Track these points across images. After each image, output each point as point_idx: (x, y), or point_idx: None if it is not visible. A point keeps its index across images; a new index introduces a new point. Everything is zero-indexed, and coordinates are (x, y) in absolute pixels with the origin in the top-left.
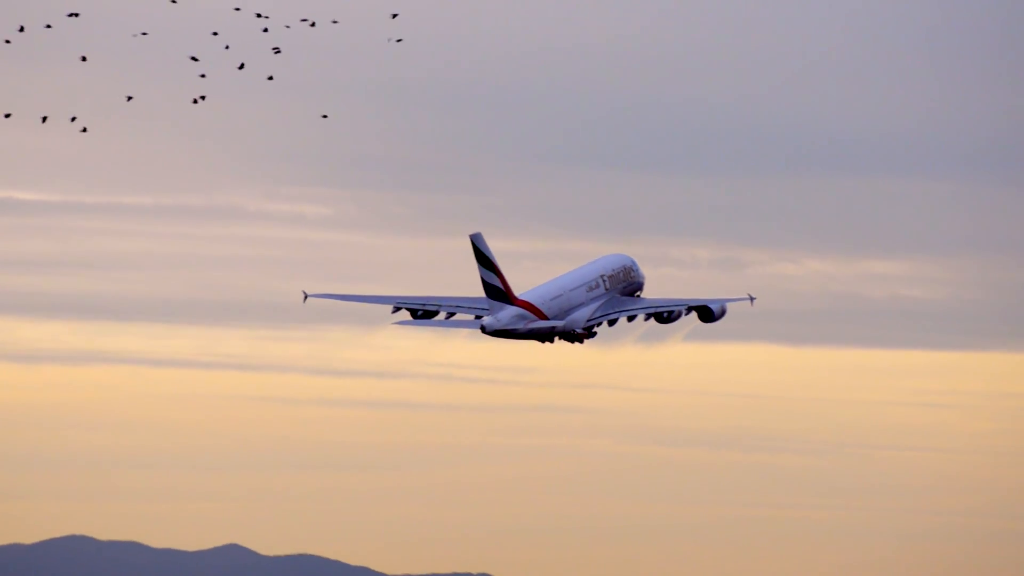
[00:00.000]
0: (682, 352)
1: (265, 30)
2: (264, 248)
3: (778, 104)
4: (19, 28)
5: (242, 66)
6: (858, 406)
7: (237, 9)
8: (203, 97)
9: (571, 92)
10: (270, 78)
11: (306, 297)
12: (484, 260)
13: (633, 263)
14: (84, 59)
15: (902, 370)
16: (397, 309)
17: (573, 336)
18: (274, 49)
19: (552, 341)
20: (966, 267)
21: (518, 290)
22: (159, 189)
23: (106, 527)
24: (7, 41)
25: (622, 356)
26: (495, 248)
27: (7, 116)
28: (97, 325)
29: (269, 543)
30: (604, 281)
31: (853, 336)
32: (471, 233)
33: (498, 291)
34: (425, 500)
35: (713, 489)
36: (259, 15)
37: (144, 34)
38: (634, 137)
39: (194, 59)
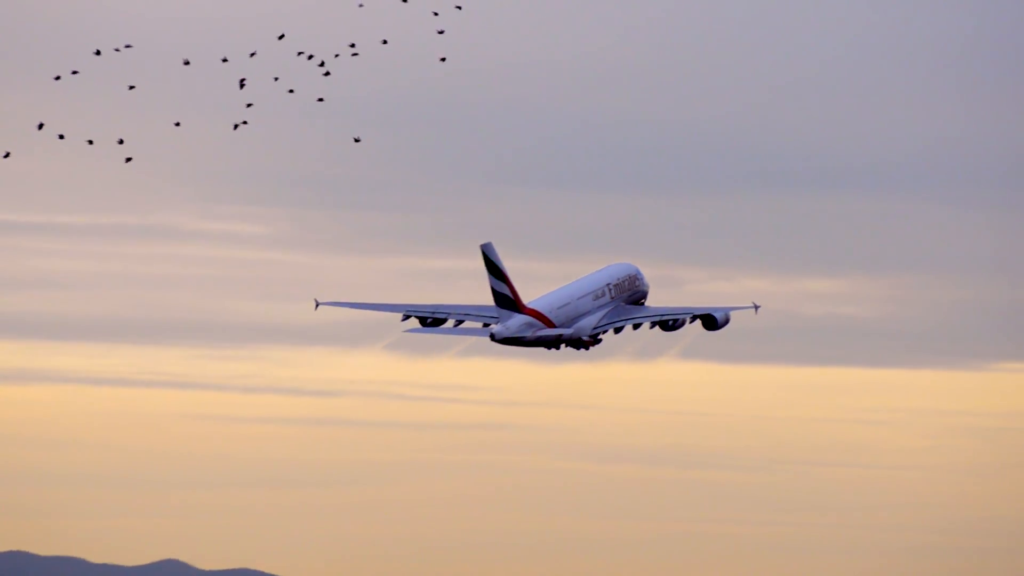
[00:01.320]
0: (619, 370)
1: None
2: (200, 267)
3: (715, 123)
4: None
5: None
6: (793, 423)
7: (281, 38)
8: (245, 122)
9: (508, 111)
10: (320, 100)
11: (317, 305)
12: (494, 269)
13: (638, 272)
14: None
15: (837, 388)
16: (407, 317)
17: (579, 343)
18: (323, 72)
19: (558, 348)
20: (901, 285)
21: (526, 299)
22: (94, 209)
23: (46, 543)
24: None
25: (559, 374)
26: (424, 267)
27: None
28: (32, 344)
29: (207, 558)
30: (610, 290)
31: (789, 354)
32: (482, 243)
33: (507, 299)
34: (362, 516)
35: (650, 506)
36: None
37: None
38: (569, 156)
39: (241, 83)
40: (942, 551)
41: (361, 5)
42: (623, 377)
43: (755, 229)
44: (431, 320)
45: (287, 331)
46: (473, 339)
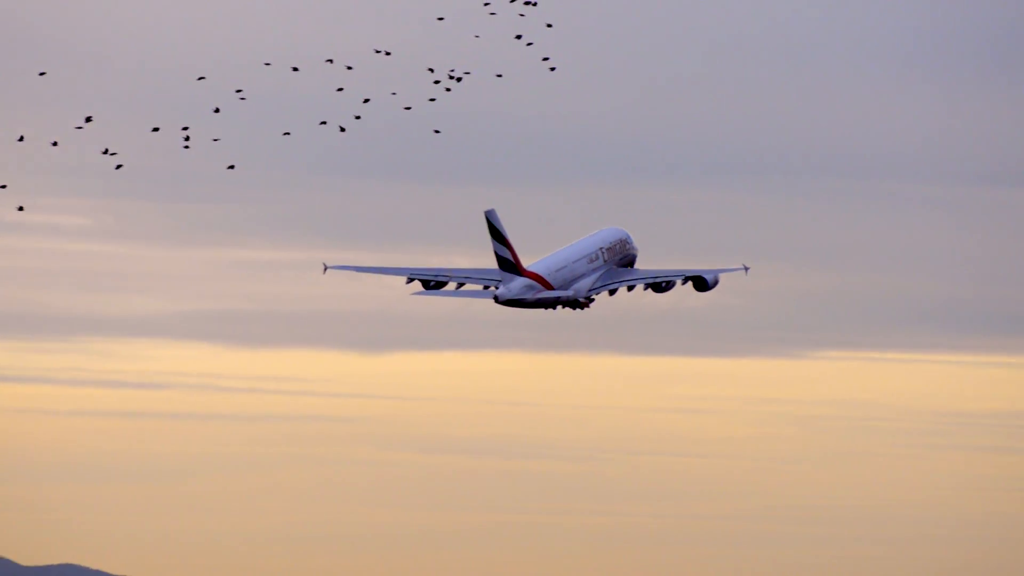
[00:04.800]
0: (442, 360)
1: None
2: (20, 259)
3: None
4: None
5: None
6: (617, 412)
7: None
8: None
9: (332, 101)
10: (357, 117)
11: (326, 268)
12: (497, 235)
13: (628, 237)
14: None
15: (661, 377)
16: (411, 280)
17: (576, 304)
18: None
19: (555, 308)
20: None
21: (526, 263)
22: None
23: None
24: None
25: (384, 365)
26: (249, 259)
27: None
28: None
29: (29, 553)
30: (603, 253)
31: (611, 343)
32: (486, 210)
33: (509, 263)
34: (186, 509)
35: (475, 496)
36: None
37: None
38: (401, 146)
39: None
40: (766, 538)
41: None
42: (447, 368)
43: (576, 219)
44: (434, 283)
45: (111, 324)
46: (476, 301)
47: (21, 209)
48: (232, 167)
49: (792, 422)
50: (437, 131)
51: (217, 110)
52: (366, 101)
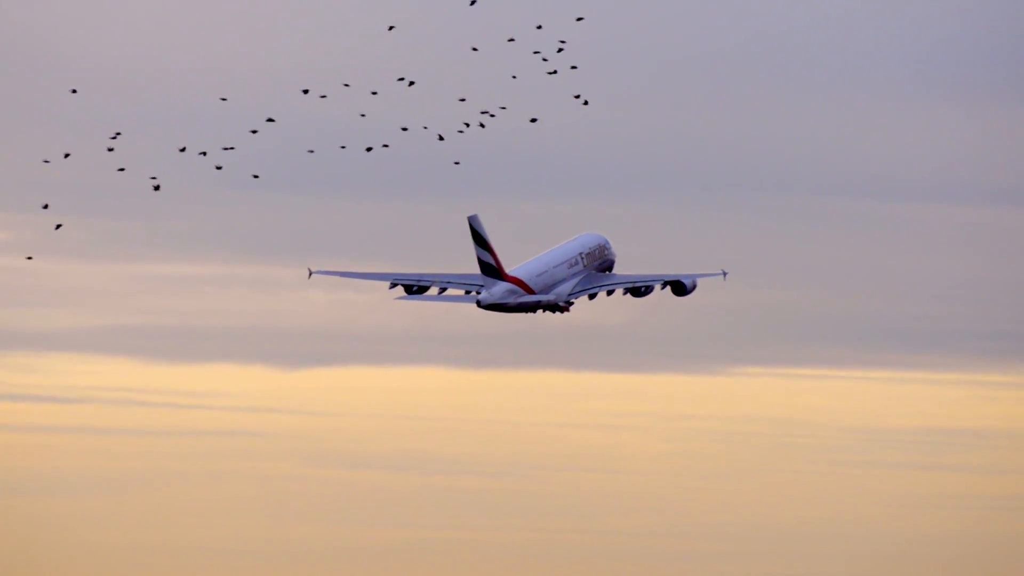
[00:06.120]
0: (362, 375)
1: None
2: None
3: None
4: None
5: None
6: (537, 428)
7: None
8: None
9: (253, 115)
10: (369, 149)
11: (311, 273)
12: (479, 240)
13: (607, 242)
14: None
15: (581, 392)
16: (394, 285)
17: (556, 308)
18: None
19: (535, 312)
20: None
21: (508, 267)
22: None
23: None
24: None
25: (304, 380)
26: (167, 273)
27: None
28: None
29: None
30: (582, 258)
31: (531, 359)
32: (469, 215)
33: (491, 268)
34: (105, 524)
35: (396, 512)
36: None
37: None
38: (316, 161)
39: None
40: (686, 555)
41: None
42: (367, 384)
43: (501, 232)
44: (416, 288)
45: (29, 337)
46: (458, 306)
47: (57, 225)
48: (256, 176)
49: (712, 438)
50: (457, 163)
51: (271, 119)
52: (384, 142)
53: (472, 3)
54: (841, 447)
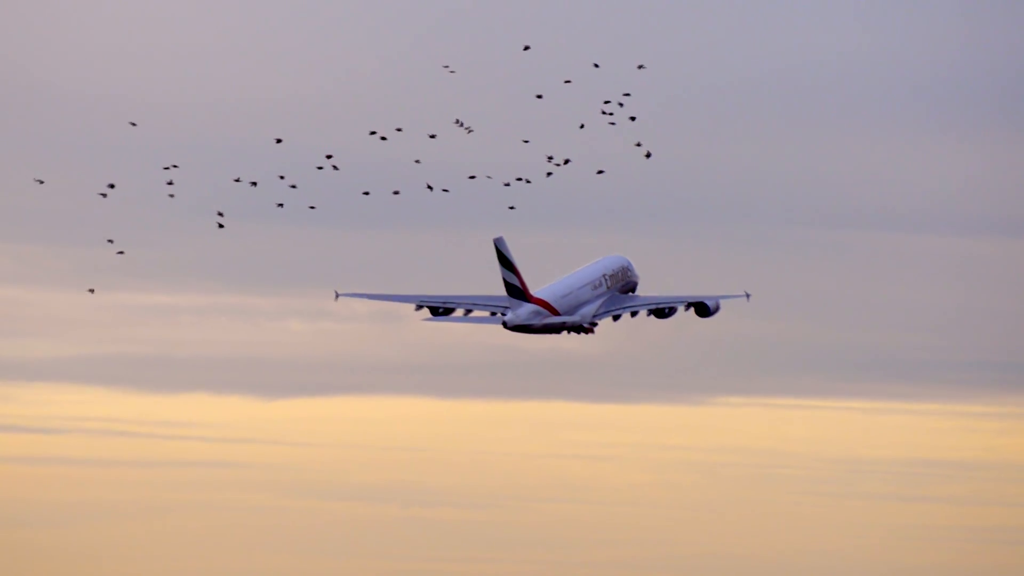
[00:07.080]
0: (340, 405)
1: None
2: None
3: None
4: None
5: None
6: (516, 459)
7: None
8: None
9: (226, 144)
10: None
11: (337, 296)
12: (505, 262)
13: (630, 264)
14: None
15: (558, 423)
16: (420, 307)
17: (581, 329)
18: None
19: (559, 333)
20: (623, 320)
21: (533, 289)
22: None
23: None
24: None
25: (283, 410)
26: (141, 303)
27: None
28: None
29: None
30: (606, 280)
31: (510, 389)
32: (495, 237)
33: (516, 289)
34: (83, 555)
35: (373, 543)
36: None
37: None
38: (291, 189)
39: None
40: None
41: None
42: (345, 414)
43: (470, 262)
44: (442, 310)
45: (7, 367)
46: (484, 326)
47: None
48: (313, 207)
49: (692, 469)
50: (511, 207)
51: (330, 156)
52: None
53: (526, 48)
54: (822, 478)
